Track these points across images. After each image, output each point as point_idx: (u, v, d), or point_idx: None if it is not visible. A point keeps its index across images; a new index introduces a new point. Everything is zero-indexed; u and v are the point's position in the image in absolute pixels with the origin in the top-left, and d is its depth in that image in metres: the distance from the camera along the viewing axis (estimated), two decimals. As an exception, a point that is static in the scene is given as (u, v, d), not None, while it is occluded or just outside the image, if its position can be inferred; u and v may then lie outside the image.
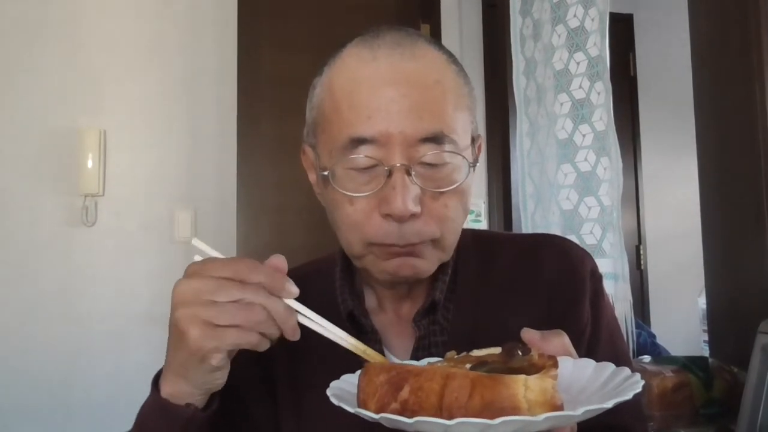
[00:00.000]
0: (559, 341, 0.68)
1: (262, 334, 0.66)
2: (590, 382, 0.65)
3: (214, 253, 0.73)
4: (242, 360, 0.74)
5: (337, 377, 0.69)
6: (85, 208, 2.61)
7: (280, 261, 0.70)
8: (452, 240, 0.83)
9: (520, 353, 0.63)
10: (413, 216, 0.77)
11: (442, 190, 0.79)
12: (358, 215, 0.79)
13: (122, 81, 2.72)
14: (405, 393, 0.56)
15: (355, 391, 0.61)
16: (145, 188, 2.71)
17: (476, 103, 0.88)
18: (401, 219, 0.76)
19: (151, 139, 2.74)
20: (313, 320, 0.72)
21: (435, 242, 0.81)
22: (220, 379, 0.71)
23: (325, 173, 0.80)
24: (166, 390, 0.72)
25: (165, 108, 2.76)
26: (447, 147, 0.78)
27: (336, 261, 0.94)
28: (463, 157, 0.80)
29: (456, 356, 0.69)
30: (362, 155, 0.77)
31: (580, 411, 0.53)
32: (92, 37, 2.71)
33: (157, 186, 2.72)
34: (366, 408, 0.58)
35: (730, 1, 1.69)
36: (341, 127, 0.78)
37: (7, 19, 2.62)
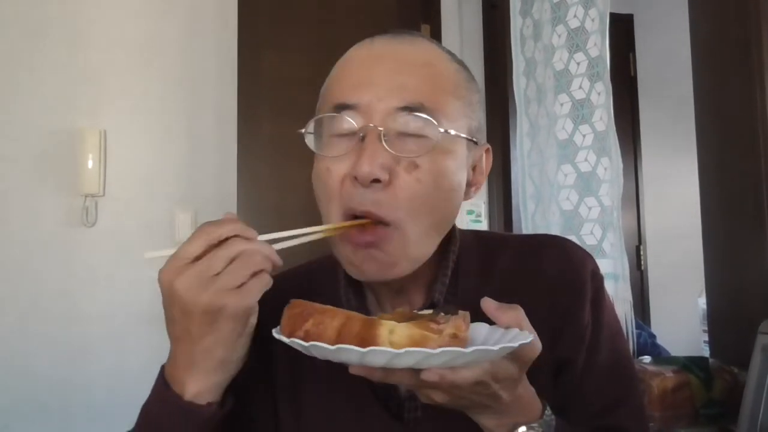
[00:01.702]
0: (514, 314, 0.73)
1: None
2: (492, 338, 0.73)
3: (171, 250, 0.74)
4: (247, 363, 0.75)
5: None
6: (85, 209, 2.61)
7: (231, 214, 0.78)
8: (420, 230, 0.81)
9: (442, 314, 0.70)
10: (380, 183, 0.77)
11: (416, 157, 0.79)
12: (333, 181, 0.81)
13: (123, 81, 2.72)
14: (309, 324, 0.66)
15: None
16: (145, 188, 2.71)
17: (479, 105, 0.88)
18: (364, 181, 0.77)
19: (151, 140, 2.74)
20: (286, 237, 0.79)
21: (399, 234, 0.79)
22: (243, 352, 0.75)
23: (311, 132, 0.86)
24: (192, 390, 0.73)
25: (165, 108, 2.76)
26: (426, 116, 0.79)
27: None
28: (447, 132, 0.80)
29: (401, 311, 0.75)
30: (343, 117, 0.80)
31: (469, 350, 0.62)
32: (93, 37, 2.70)
33: (157, 186, 2.72)
34: (282, 334, 0.68)
35: (730, 1, 1.70)
36: (329, 99, 0.83)
37: (7, 19, 2.62)
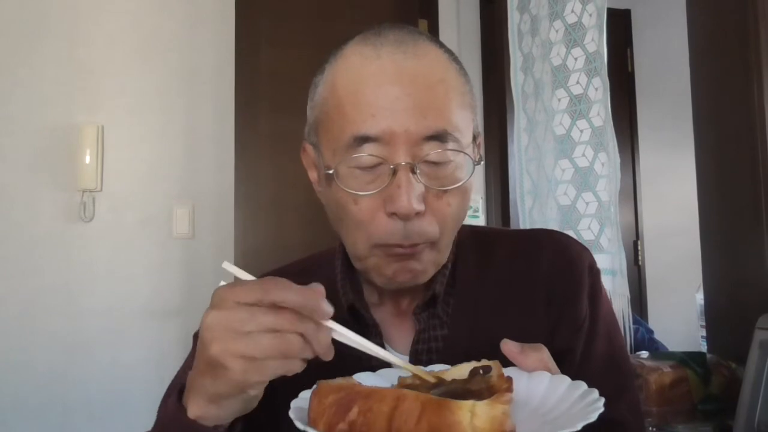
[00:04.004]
0: (537, 356, 0.69)
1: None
2: (559, 403, 0.63)
3: (246, 276, 0.69)
4: None
5: None
6: (82, 204, 2.61)
7: (319, 287, 0.66)
8: (449, 241, 0.83)
9: (481, 372, 0.64)
10: (417, 214, 0.77)
11: (446, 188, 0.79)
12: (362, 214, 0.79)
13: (120, 77, 2.72)
14: (353, 414, 0.56)
15: None
16: (143, 184, 2.71)
17: (476, 101, 0.88)
18: (407, 217, 0.76)
19: (149, 135, 2.74)
20: (347, 336, 0.69)
21: (433, 244, 0.80)
22: (254, 404, 0.69)
23: (330, 172, 0.79)
24: (195, 412, 0.69)
25: (163, 104, 2.76)
26: (450, 145, 0.78)
27: (336, 255, 0.94)
28: (466, 154, 0.80)
29: (424, 371, 0.69)
30: (366, 154, 0.77)
31: None
32: (90, 32, 2.70)
33: (155, 182, 2.72)
34: (315, 427, 0.58)
35: (728, -4, 1.69)
36: (345, 126, 0.78)
37: (5, 15, 2.62)
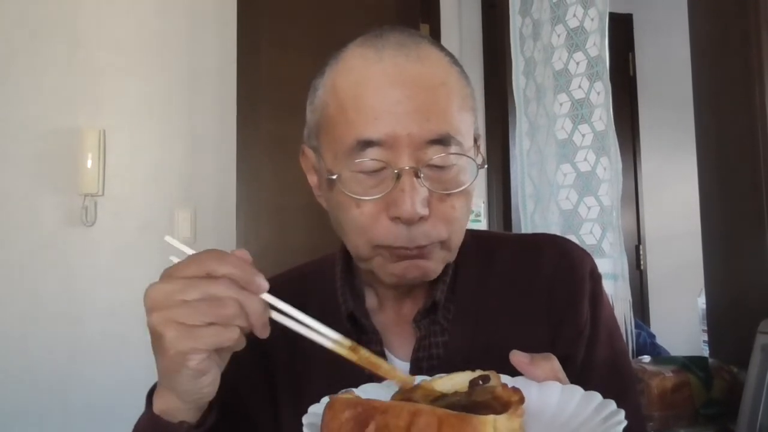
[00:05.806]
0: (549, 365, 0.68)
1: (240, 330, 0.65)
2: (574, 415, 0.63)
3: (188, 251, 0.71)
4: (244, 369, 0.73)
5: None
6: (84, 208, 2.61)
7: (243, 253, 0.68)
8: (458, 240, 0.83)
9: (481, 382, 0.64)
10: (422, 218, 0.76)
11: (449, 191, 0.79)
12: (365, 218, 0.78)
13: (122, 81, 2.72)
14: (371, 430, 0.55)
15: None
16: (144, 188, 2.71)
17: (476, 104, 0.88)
18: (410, 222, 0.76)
19: (150, 139, 2.74)
20: (290, 315, 0.69)
21: (443, 243, 0.80)
22: (207, 388, 0.68)
23: (333, 177, 0.79)
24: (158, 406, 0.70)
25: (165, 108, 2.76)
26: (453, 149, 0.78)
27: (336, 261, 0.94)
28: (469, 157, 0.80)
29: (415, 384, 0.68)
30: (369, 158, 0.76)
31: None
32: (92, 36, 2.70)
33: (156, 186, 2.72)
34: None
35: (729, 0, 1.70)
36: (347, 130, 0.77)
37: (6, 18, 2.62)
